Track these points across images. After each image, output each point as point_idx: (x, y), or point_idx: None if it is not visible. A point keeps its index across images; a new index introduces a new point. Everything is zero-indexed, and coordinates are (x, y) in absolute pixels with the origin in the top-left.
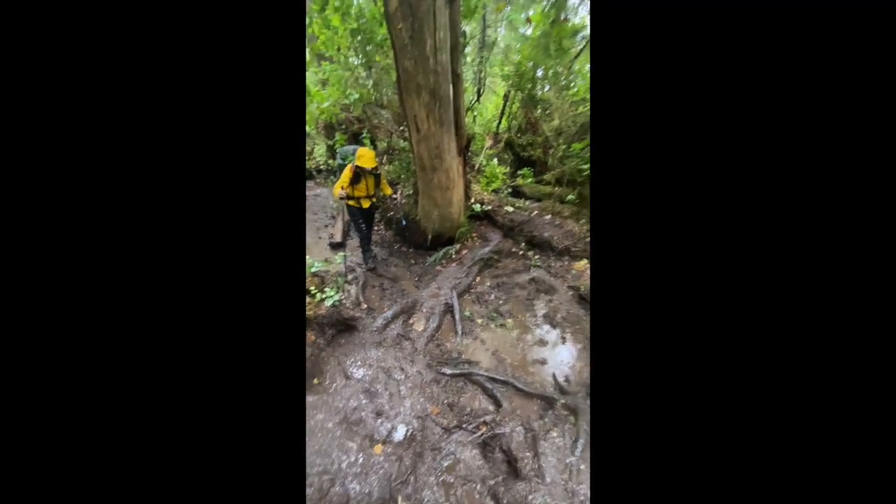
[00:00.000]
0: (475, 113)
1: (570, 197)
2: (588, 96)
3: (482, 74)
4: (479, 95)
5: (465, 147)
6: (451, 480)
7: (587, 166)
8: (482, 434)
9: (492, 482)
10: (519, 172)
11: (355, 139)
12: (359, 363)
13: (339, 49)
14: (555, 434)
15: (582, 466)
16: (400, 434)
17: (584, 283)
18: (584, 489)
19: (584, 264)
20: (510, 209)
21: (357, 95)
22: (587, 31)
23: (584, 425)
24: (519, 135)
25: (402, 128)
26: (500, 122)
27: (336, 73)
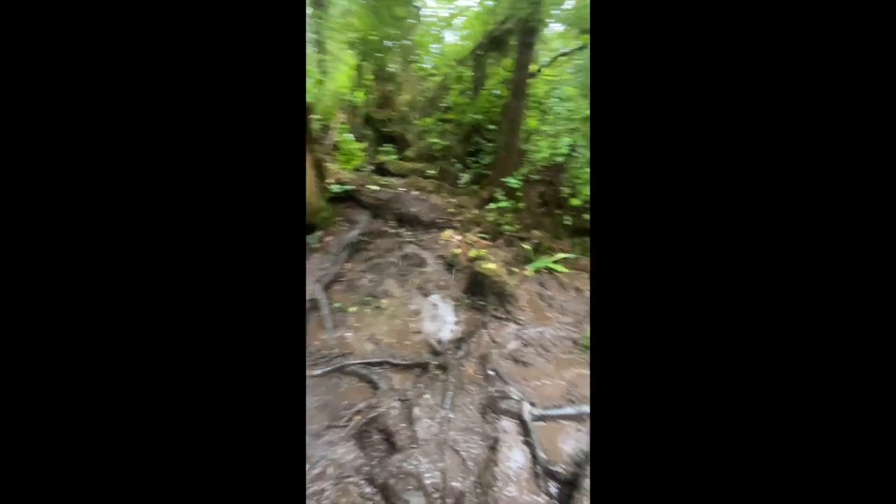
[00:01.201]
0: (311, 79)
1: (430, 172)
2: (434, 71)
3: (320, 37)
4: (319, 62)
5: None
6: (322, 487)
7: (439, 140)
8: (356, 424)
9: (367, 468)
10: (381, 149)
11: None
12: None
13: None
14: (428, 395)
15: (451, 415)
16: None
17: (450, 250)
18: (454, 434)
19: (449, 234)
20: (375, 188)
21: None
22: (420, 2)
23: (453, 378)
24: (378, 109)
25: None
26: (353, 94)
27: None
